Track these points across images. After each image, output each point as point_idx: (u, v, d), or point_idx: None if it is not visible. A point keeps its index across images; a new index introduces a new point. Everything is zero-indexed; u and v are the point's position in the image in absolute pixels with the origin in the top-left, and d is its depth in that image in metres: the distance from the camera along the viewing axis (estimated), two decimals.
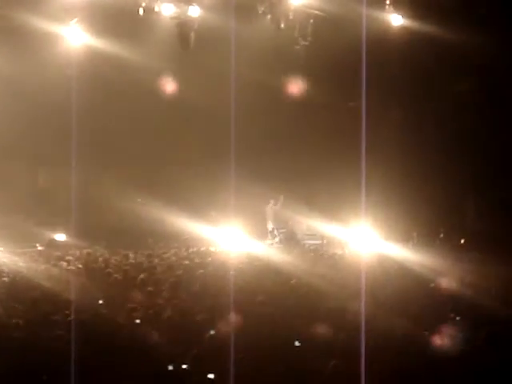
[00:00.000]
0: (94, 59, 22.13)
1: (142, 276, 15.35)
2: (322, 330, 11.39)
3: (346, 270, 17.07)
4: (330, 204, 23.96)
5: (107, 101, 23.72)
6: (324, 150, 24.10)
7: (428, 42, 21.82)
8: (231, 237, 22.11)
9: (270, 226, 24.74)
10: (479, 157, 22.52)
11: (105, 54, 22.21)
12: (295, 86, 23.86)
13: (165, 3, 21.13)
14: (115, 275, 15.50)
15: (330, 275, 15.94)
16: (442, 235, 22.38)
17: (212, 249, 21.66)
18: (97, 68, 22.57)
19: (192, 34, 21.09)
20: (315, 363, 10.00)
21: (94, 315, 11.77)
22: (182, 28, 21.12)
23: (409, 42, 22.36)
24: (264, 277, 16.10)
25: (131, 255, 19.16)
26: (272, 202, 24.57)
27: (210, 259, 18.95)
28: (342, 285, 14.59)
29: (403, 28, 22.32)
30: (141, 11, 20.91)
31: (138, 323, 11.68)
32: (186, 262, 18.21)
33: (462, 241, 22.61)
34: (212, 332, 10.84)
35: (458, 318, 12.52)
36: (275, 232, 24.61)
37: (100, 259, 18.15)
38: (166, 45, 22.61)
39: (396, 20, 22.28)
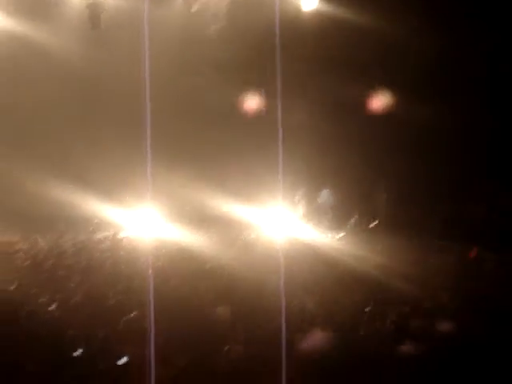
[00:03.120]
0: (2, 40, 21.69)
1: (52, 261, 15.10)
2: (236, 313, 11.38)
3: (260, 253, 17.11)
4: (244, 186, 23.96)
5: (16, 82, 23.23)
6: (241, 134, 24.09)
7: (343, 26, 21.93)
8: (145, 221, 21.88)
9: (186, 210, 24.55)
10: (392, 142, 22.79)
11: (14, 35, 21.79)
12: (209, 70, 23.75)
13: None
14: (25, 260, 15.22)
15: (244, 259, 15.96)
16: (353, 219, 22.59)
17: (125, 233, 21.41)
18: (6, 49, 22.11)
19: (102, 16, 20.91)
20: (233, 349, 9.98)
21: (3, 301, 11.52)
22: (93, 8, 20.89)
23: (323, 25, 22.44)
24: (178, 261, 16.02)
25: (40, 240, 18.81)
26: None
27: (122, 243, 18.74)
28: (257, 268, 14.62)
29: (317, 11, 22.38)
30: None
31: (48, 309, 11.47)
32: (98, 246, 17.98)
33: (373, 225, 22.89)
34: (125, 316, 10.71)
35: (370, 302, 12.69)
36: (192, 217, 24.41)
37: (9, 244, 17.78)
38: (76, 25, 22.30)
39: (310, 3, 22.32)
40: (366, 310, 12.21)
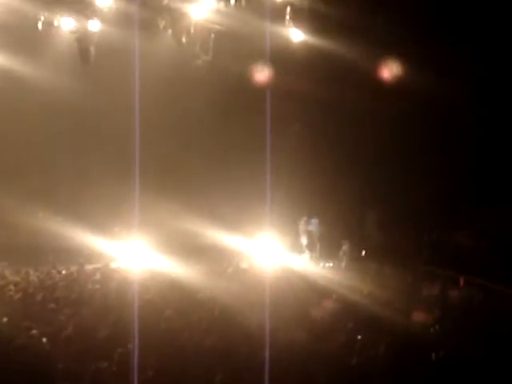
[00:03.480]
0: None
1: (43, 293, 15.12)
2: (228, 343, 11.42)
3: (251, 283, 17.17)
4: (233, 216, 24.07)
5: (7, 116, 23.35)
6: (229, 164, 24.25)
7: (328, 56, 22.13)
8: (135, 252, 21.93)
9: (176, 240, 24.58)
10: (380, 172, 22.95)
11: (4, 69, 21.91)
12: (198, 100, 23.94)
13: (64, 17, 20.94)
14: (17, 293, 15.23)
15: (234, 289, 16.01)
16: (344, 247, 22.70)
17: (115, 265, 21.44)
18: None
19: (92, 49, 20.98)
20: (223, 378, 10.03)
21: None
22: (82, 42, 20.98)
23: (309, 56, 22.64)
24: (169, 292, 16.04)
25: (32, 272, 18.81)
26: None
27: (113, 275, 18.76)
28: (247, 298, 14.68)
29: (304, 43, 22.57)
30: (40, 25, 20.74)
31: (38, 341, 11.48)
32: (89, 278, 18.00)
33: (364, 253, 23.03)
34: (116, 350, 10.73)
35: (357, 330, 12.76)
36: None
37: (0, 277, 17.79)
38: (66, 59, 22.43)
39: (296, 35, 22.52)
40: (358, 337, 12.29)
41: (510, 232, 21.65)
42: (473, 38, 21.60)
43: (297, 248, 23.87)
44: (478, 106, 22.47)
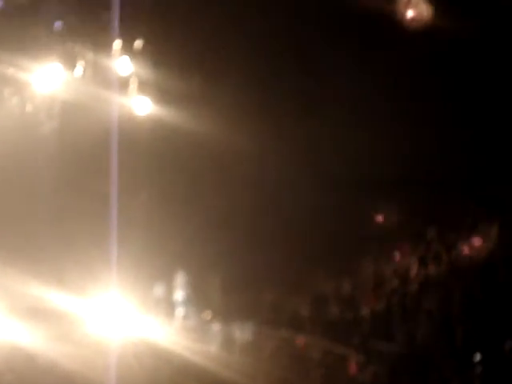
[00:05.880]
0: None
1: None
2: None
3: (95, 349, 17.26)
4: (79, 281, 24.10)
5: None
6: (75, 231, 24.37)
7: (173, 128, 22.73)
8: None
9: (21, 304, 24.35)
10: (222, 237, 23.61)
11: None
12: (44, 169, 24.03)
13: None
14: None
15: (76, 354, 16.08)
16: (187, 311, 23.12)
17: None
18: None
19: None
20: None
21: None
22: None
23: (157, 126, 23.15)
24: (11, 357, 15.97)
25: None
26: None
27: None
28: (90, 364, 14.83)
29: (150, 115, 23.08)
30: None
31: None
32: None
33: (208, 314, 23.52)
34: None
35: None
36: None
37: None
38: None
39: (143, 107, 23.02)
40: None
41: (339, 294, 22.70)
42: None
43: (142, 311, 24.13)
44: None
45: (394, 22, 22.62)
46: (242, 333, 21.05)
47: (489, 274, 21.37)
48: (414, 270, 22.74)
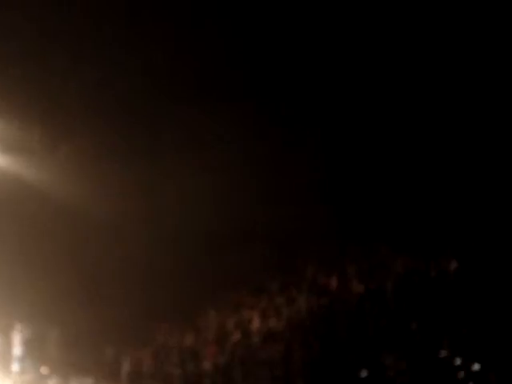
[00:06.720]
0: None
1: None
2: None
3: None
4: None
5: None
6: None
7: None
8: None
9: None
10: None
11: None
12: None
13: None
14: None
15: None
16: (23, 365, 22.79)
17: None
18: None
19: None
20: None
21: None
22: None
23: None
24: None
25: None
26: None
27: None
28: None
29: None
30: None
31: None
32: None
33: (46, 369, 23.19)
34: None
35: None
36: None
37: None
38: None
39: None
40: None
41: (182, 348, 22.78)
42: None
43: None
44: None
45: None
46: None
47: (327, 327, 21.79)
48: (255, 322, 22.98)
